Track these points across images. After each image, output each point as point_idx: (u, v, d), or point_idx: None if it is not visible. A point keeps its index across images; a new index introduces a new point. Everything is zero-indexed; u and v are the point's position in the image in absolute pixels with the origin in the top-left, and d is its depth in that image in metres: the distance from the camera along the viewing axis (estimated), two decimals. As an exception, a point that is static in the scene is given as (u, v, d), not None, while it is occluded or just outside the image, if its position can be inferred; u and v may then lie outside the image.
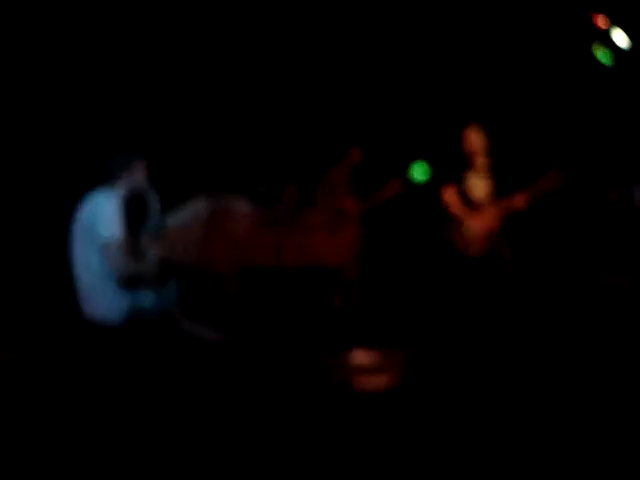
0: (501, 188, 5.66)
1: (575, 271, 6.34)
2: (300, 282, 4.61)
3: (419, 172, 6.04)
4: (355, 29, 6.58)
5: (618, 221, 6.35)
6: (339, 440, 3.46)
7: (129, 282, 4.06)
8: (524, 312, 5.65)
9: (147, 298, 4.13)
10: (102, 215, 3.98)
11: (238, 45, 6.43)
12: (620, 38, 5.18)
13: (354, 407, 4.14)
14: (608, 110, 6.56)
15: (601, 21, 5.09)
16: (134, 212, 4.20)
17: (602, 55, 5.31)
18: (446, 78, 6.74)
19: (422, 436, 3.58)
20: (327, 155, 6.09)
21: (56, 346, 4.47)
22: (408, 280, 6.71)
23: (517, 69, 6.56)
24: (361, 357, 5.45)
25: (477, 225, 5.57)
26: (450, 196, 5.63)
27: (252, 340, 4.12)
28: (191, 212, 3.52)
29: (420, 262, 6.65)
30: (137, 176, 4.18)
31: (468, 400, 4.16)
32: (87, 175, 4.35)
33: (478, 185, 5.67)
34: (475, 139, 5.63)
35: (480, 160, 5.68)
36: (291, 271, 3.86)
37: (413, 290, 6.61)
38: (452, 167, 5.71)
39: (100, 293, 4.02)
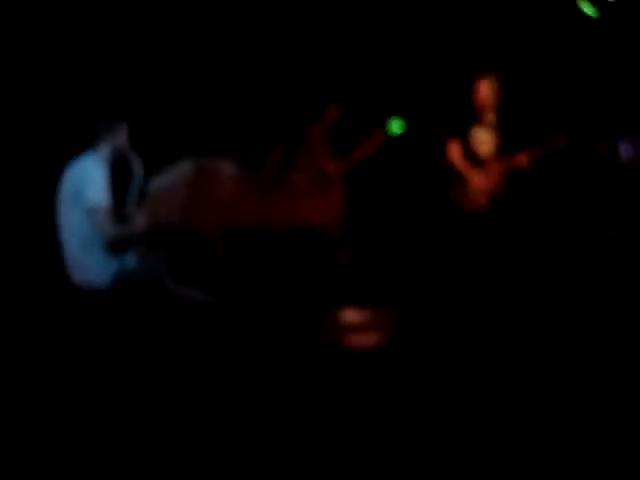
0: (505, 145, 5.59)
1: (565, 225, 6.33)
2: (286, 242, 4.60)
3: (396, 126, 5.97)
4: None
5: (605, 174, 6.33)
6: (330, 401, 3.48)
7: (116, 246, 4.05)
8: (517, 268, 5.66)
9: (134, 262, 4.12)
10: (88, 180, 3.94)
11: (219, 9, 6.36)
12: None
13: (344, 366, 4.17)
14: (595, 63, 6.50)
15: None
16: (118, 175, 4.18)
17: (587, 7, 5.25)
18: (441, 31, 6.64)
19: (411, 396, 3.60)
20: (309, 114, 6.06)
21: (44, 312, 4.46)
22: (400, 236, 6.68)
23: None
24: (350, 315, 5.48)
25: (480, 181, 5.52)
26: (454, 150, 5.54)
27: (240, 301, 4.11)
28: (176, 174, 3.48)
29: (415, 217, 6.62)
30: (120, 139, 4.13)
31: (458, 360, 4.19)
32: (71, 140, 4.31)
33: (484, 140, 5.58)
34: (488, 92, 5.51)
35: (489, 115, 5.58)
36: (277, 232, 3.84)
37: (406, 246, 6.59)
38: (458, 120, 5.62)
39: (87, 258, 4.01)
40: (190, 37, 6.27)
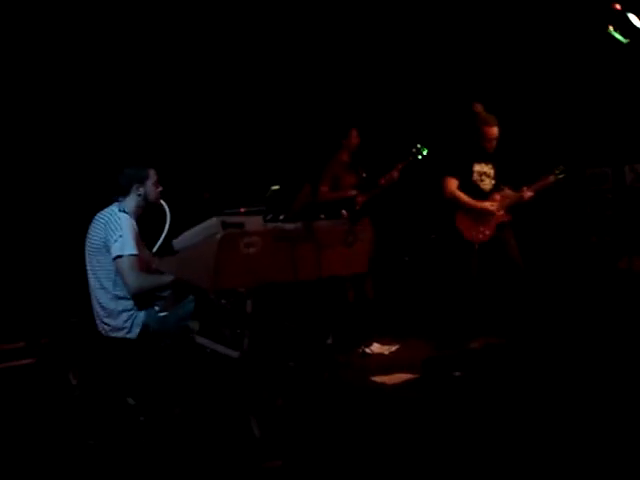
0: (508, 178, 5.63)
1: (590, 255, 6.28)
2: (314, 288, 4.59)
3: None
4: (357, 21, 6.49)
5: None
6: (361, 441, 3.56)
7: (143, 297, 4.05)
8: (538, 298, 5.64)
9: (161, 313, 4.12)
10: (116, 229, 3.95)
11: (239, 60, 6.43)
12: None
13: (372, 405, 4.16)
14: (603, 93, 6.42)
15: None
16: (147, 224, 4.18)
17: (618, 35, 5.17)
18: (452, 66, 6.62)
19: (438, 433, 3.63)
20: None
21: (73, 361, 4.48)
22: (416, 270, 6.69)
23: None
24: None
25: (486, 209, 5.56)
26: (452, 185, 5.60)
27: (267, 357, 4.11)
28: (203, 236, 3.44)
29: (427, 251, 6.63)
30: (148, 188, 4.16)
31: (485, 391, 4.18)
32: (99, 190, 4.33)
33: (486, 175, 5.65)
34: (493, 130, 5.56)
35: (491, 150, 5.63)
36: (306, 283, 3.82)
37: (422, 280, 6.60)
38: (461, 156, 5.66)
39: (114, 307, 4.01)
40: (213, 83, 6.34)
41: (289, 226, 3.73)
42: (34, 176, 5.64)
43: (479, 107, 5.65)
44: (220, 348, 3.82)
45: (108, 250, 3.92)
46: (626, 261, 5.92)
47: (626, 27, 5.17)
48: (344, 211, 5.69)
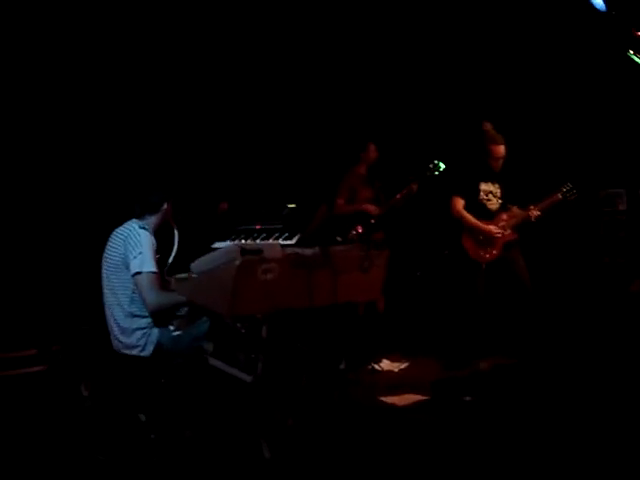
0: (517, 197, 5.63)
1: (602, 277, 6.27)
2: (328, 313, 4.60)
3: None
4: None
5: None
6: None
7: (159, 315, 4.05)
8: (548, 318, 5.65)
9: (176, 332, 4.12)
10: (136, 246, 3.94)
11: (258, 75, 6.54)
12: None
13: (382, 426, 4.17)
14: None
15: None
16: (161, 246, 4.19)
17: (637, 59, 5.17)
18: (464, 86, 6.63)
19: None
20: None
21: (85, 372, 4.50)
22: (428, 285, 6.70)
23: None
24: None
25: (491, 233, 5.57)
26: (458, 204, 5.61)
27: (280, 380, 4.13)
28: (221, 259, 3.45)
29: (439, 267, 6.63)
30: (166, 214, 4.19)
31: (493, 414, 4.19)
32: (117, 208, 4.35)
33: (493, 194, 5.64)
34: (500, 149, 5.57)
35: (498, 169, 5.64)
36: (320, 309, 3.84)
37: (434, 296, 6.60)
38: (467, 175, 5.67)
39: (130, 324, 4.01)
40: (233, 98, 6.39)
41: (306, 252, 3.72)
42: (49, 186, 5.64)
43: (488, 126, 5.65)
44: (234, 371, 3.83)
45: (127, 266, 3.91)
46: (638, 284, 5.90)
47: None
48: (359, 226, 5.70)
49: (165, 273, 4.16)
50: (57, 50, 5.55)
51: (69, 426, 4.25)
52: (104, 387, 4.33)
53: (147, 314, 3.98)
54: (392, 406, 4.75)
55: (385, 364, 5.76)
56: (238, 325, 3.89)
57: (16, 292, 5.27)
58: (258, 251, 3.55)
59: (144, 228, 4.01)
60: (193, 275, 3.61)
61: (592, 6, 5.10)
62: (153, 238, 4.00)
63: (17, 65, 5.35)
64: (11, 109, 5.37)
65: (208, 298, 3.59)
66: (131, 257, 3.89)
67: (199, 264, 3.64)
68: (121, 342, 4.00)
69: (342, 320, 5.12)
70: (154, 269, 3.90)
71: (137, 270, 3.87)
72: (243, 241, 4.50)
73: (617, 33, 5.11)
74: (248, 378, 3.77)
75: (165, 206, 4.13)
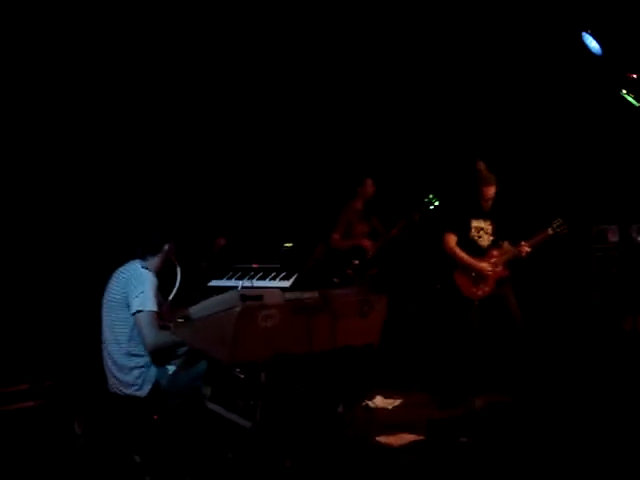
0: (506, 233, 5.68)
1: (594, 314, 6.31)
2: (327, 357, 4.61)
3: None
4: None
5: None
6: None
7: (158, 354, 4.04)
8: (540, 355, 5.67)
9: (174, 372, 4.11)
10: (138, 285, 3.95)
11: (256, 107, 6.66)
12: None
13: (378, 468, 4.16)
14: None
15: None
16: (162, 282, 4.20)
17: (630, 99, 5.27)
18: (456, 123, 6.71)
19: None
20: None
21: (78, 410, 4.47)
22: (420, 319, 6.71)
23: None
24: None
25: (483, 270, 5.61)
26: (451, 241, 5.66)
27: (278, 425, 4.12)
28: (222, 305, 3.45)
29: (431, 301, 6.66)
30: (169, 254, 4.23)
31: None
32: (118, 248, 4.35)
33: (484, 231, 5.69)
34: (491, 190, 5.63)
35: (487, 209, 5.69)
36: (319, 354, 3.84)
37: (426, 330, 6.62)
38: (459, 211, 5.72)
39: (128, 362, 4.00)
40: (230, 132, 6.43)
41: (306, 296, 3.73)
42: (47, 220, 5.63)
43: (482, 165, 5.71)
44: (233, 417, 3.82)
45: (128, 305, 3.94)
46: (630, 321, 5.95)
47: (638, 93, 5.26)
48: (355, 261, 5.72)
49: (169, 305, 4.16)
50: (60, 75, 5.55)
51: (61, 464, 4.19)
52: (98, 426, 4.30)
53: (145, 353, 3.98)
54: (388, 446, 4.72)
55: (379, 401, 5.75)
56: (237, 370, 3.87)
57: (9, 326, 5.22)
58: (258, 297, 3.54)
59: (146, 268, 4.00)
60: (192, 318, 3.59)
61: (588, 50, 5.19)
62: (155, 278, 4.00)
63: (20, 83, 5.33)
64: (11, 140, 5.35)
65: (208, 344, 3.58)
66: (133, 296, 3.92)
67: (199, 309, 3.64)
68: (118, 380, 3.99)
69: (340, 363, 5.11)
70: (155, 308, 3.93)
71: (138, 308, 3.90)
72: (239, 281, 4.49)
73: (611, 75, 5.20)
74: (247, 424, 3.74)
75: (166, 247, 4.14)
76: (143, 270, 4.00)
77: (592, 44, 5.27)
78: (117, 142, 5.89)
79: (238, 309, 3.44)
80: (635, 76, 5.10)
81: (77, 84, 5.70)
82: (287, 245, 4.59)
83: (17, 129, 5.43)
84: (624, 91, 5.22)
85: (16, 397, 4.91)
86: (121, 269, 4.08)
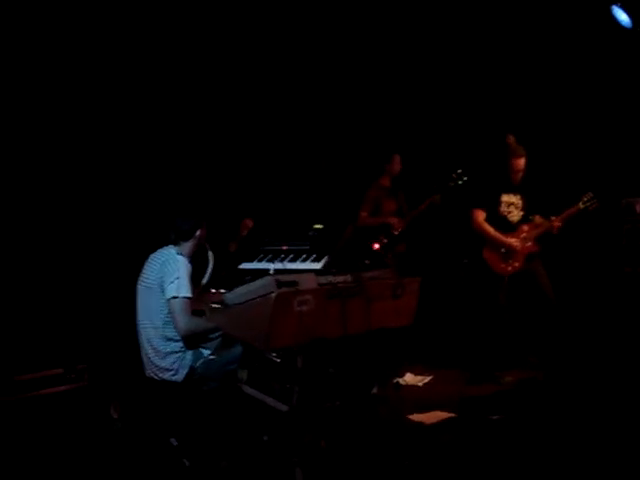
0: (537, 208, 5.63)
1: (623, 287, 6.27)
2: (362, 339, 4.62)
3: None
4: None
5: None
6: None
7: (193, 339, 4.07)
8: (571, 329, 5.65)
9: (210, 356, 4.15)
10: (173, 271, 3.98)
11: (284, 90, 6.60)
12: None
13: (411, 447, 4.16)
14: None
15: None
16: (196, 270, 4.22)
17: None
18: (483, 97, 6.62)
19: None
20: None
21: (115, 394, 4.52)
22: (448, 294, 6.70)
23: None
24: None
25: (512, 246, 5.57)
26: (479, 217, 5.61)
27: (314, 408, 4.14)
28: (257, 292, 3.45)
29: (459, 276, 6.63)
30: (200, 238, 4.24)
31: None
32: (152, 233, 4.36)
33: (514, 206, 5.65)
34: (521, 162, 5.56)
35: (517, 182, 5.64)
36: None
37: (453, 305, 6.61)
38: (488, 187, 5.66)
39: (163, 347, 4.03)
40: (257, 115, 6.39)
41: (339, 280, 3.72)
42: (82, 207, 5.67)
43: (511, 138, 5.63)
44: (270, 400, 3.85)
45: (163, 290, 3.95)
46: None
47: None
48: (383, 237, 5.70)
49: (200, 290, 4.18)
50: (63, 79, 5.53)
51: (98, 448, 4.25)
52: (134, 410, 4.34)
53: (180, 338, 3.98)
54: (420, 424, 4.74)
55: (409, 377, 5.77)
56: (272, 354, 3.89)
57: (45, 310, 5.29)
58: (293, 283, 3.54)
59: (181, 254, 4.03)
60: (228, 304, 3.60)
61: (618, 22, 5.09)
62: (189, 264, 4.02)
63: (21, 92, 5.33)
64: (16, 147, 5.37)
65: (244, 331, 3.59)
66: (168, 282, 3.95)
67: (234, 295, 3.64)
68: (154, 364, 4.03)
69: (374, 345, 5.12)
70: (189, 294, 3.96)
71: (174, 294, 3.93)
72: (270, 263, 4.49)
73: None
74: (284, 407, 3.77)
75: (198, 233, 4.15)
76: (178, 256, 4.04)
77: (622, 17, 5.17)
78: (147, 131, 5.88)
79: (274, 295, 3.43)
80: None
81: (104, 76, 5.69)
82: (317, 226, 4.56)
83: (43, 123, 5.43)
84: None
85: (51, 381, 4.97)
86: (156, 254, 4.11)
